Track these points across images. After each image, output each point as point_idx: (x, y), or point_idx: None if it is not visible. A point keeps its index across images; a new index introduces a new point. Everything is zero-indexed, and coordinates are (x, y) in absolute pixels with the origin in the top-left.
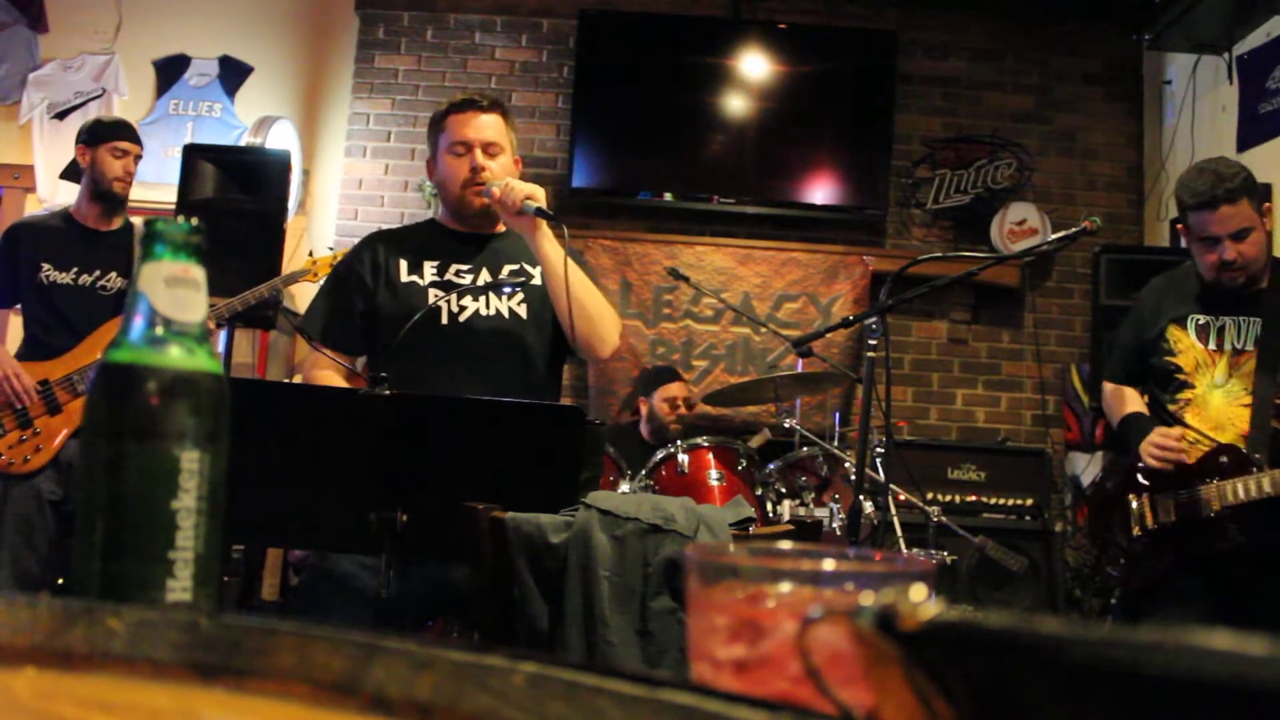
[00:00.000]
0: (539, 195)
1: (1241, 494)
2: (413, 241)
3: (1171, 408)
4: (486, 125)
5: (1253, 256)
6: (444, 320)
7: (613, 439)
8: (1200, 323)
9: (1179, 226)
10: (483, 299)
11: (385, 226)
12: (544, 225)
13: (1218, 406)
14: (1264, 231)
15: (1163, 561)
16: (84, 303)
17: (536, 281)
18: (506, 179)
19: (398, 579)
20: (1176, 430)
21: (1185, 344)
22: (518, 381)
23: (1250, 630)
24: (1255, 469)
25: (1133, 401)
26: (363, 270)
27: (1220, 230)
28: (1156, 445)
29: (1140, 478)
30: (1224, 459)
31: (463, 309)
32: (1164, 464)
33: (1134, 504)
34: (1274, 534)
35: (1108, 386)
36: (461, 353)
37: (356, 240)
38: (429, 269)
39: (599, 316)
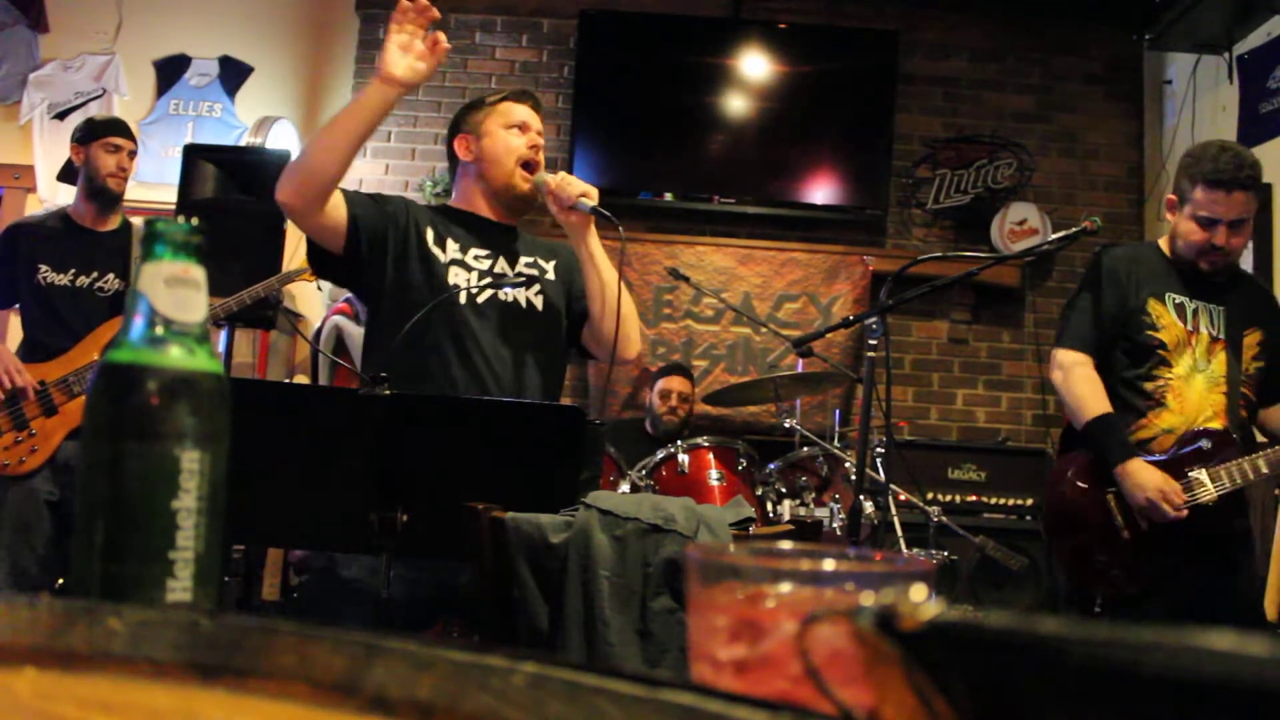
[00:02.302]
0: (594, 194)
1: (1239, 479)
2: (439, 217)
3: (1149, 385)
4: (536, 120)
5: (1237, 247)
6: (462, 299)
7: (613, 436)
8: (1177, 301)
9: (1170, 197)
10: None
11: None
12: (593, 224)
13: (1200, 390)
14: (1250, 227)
15: (1160, 560)
16: (81, 304)
17: (551, 277)
18: (561, 172)
19: (402, 581)
20: (1179, 498)
21: (1167, 320)
22: (528, 370)
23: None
24: (1239, 451)
25: (1100, 396)
26: (398, 213)
27: (1224, 214)
28: (1173, 514)
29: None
30: (1205, 444)
31: (481, 290)
32: (1167, 510)
33: (1116, 513)
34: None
35: (1070, 357)
36: (476, 335)
37: None
38: (451, 246)
39: (630, 317)
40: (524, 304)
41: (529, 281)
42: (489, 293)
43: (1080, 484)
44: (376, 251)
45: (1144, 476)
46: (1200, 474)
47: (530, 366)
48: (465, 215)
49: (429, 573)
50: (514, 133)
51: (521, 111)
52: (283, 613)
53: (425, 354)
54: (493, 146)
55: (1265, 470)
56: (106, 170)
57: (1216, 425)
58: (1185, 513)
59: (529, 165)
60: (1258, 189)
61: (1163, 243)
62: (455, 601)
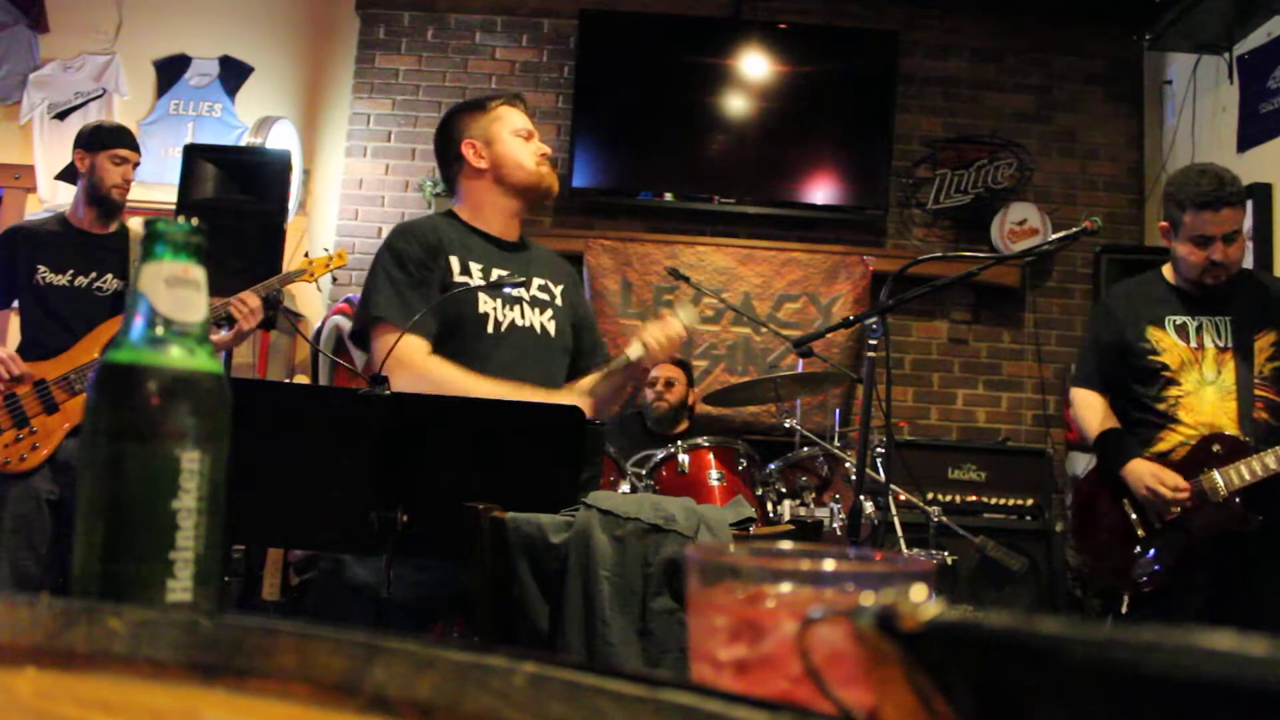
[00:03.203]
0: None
1: (1247, 475)
2: (455, 240)
3: (1160, 406)
4: (531, 125)
5: (1236, 259)
6: (490, 328)
7: (611, 433)
8: (1178, 322)
9: (1163, 225)
10: (517, 310)
11: (386, 226)
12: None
13: (1211, 402)
14: (1244, 237)
15: (1176, 558)
16: (80, 304)
17: (559, 303)
18: (661, 340)
19: (402, 582)
20: (1172, 480)
21: (1168, 343)
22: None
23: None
24: (1250, 451)
25: (1105, 415)
26: (423, 258)
27: (1216, 231)
28: (1170, 495)
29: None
30: (1216, 447)
31: (507, 317)
32: (1173, 503)
33: (1132, 512)
34: None
35: (1078, 393)
36: (501, 360)
37: (357, 240)
38: (476, 272)
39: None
40: (539, 329)
41: (541, 305)
42: (510, 319)
43: (1097, 492)
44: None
45: (1140, 471)
46: (1211, 474)
47: (550, 386)
48: (479, 233)
49: (429, 573)
50: (522, 139)
51: (521, 118)
52: (283, 613)
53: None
54: (508, 152)
55: (1274, 466)
56: (111, 182)
57: (1230, 431)
58: (1186, 495)
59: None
60: (1243, 201)
61: (1166, 270)
62: (456, 601)
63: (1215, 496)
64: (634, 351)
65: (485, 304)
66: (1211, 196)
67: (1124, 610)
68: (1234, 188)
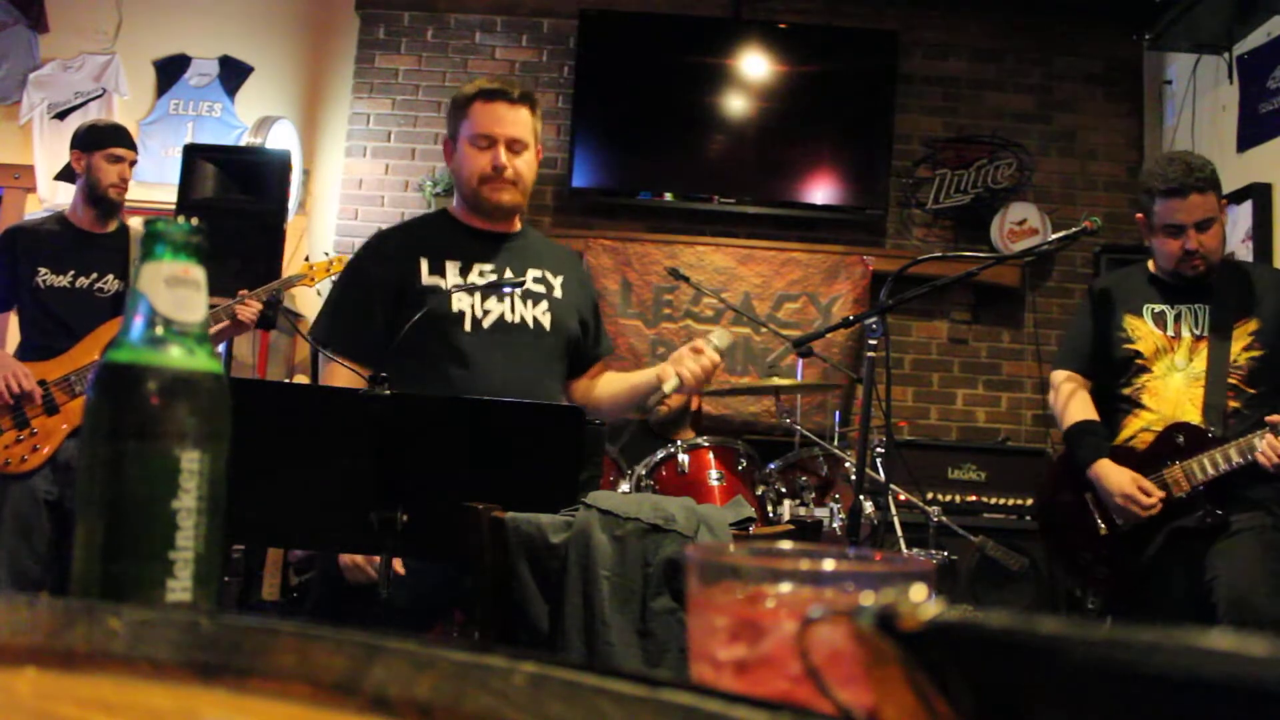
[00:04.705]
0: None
1: (1210, 469)
2: (430, 239)
3: (1127, 391)
4: (513, 120)
5: (1213, 247)
6: (468, 326)
7: (614, 436)
8: (1156, 311)
9: (1138, 216)
10: (507, 303)
11: (385, 226)
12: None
13: (1177, 387)
14: (1222, 225)
15: (1138, 553)
16: (80, 305)
17: (559, 295)
18: (696, 372)
19: (402, 582)
20: (1154, 490)
21: (1143, 331)
22: (539, 388)
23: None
24: (1214, 443)
25: (1081, 404)
26: (378, 272)
27: (1186, 219)
28: (1140, 505)
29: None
30: (1180, 438)
31: (486, 313)
32: (1136, 511)
33: (1094, 512)
34: (1245, 498)
35: (1058, 375)
36: (483, 357)
37: (357, 240)
38: (451, 270)
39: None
40: (531, 323)
41: (535, 298)
42: (493, 317)
43: (1063, 487)
44: (390, 308)
45: (1114, 479)
46: (1174, 469)
47: (545, 388)
48: (462, 227)
49: (429, 573)
50: (478, 149)
51: (487, 119)
52: (283, 613)
53: (439, 381)
54: (459, 161)
55: (1236, 459)
56: (108, 181)
57: (1193, 420)
58: (1157, 508)
59: (498, 169)
60: (1216, 189)
61: (1150, 263)
62: (456, 601)
63: (1179, 490)
64: (669, 385)
65: (460, 302)
66: (1178, 183)
67: (1089, 605)
68: (1202, 174)
